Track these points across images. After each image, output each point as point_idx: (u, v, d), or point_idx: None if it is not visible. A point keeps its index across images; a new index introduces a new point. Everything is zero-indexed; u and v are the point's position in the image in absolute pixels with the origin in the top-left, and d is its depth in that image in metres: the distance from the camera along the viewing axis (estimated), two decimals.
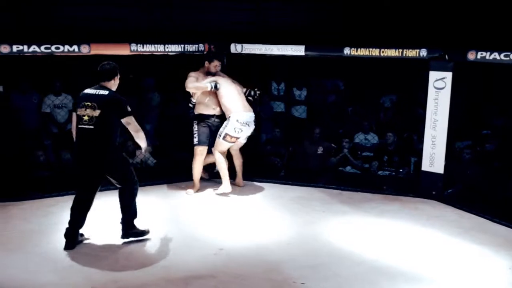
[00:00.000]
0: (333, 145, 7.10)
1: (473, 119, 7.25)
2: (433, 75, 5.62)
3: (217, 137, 5.66)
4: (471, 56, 5.36)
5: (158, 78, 7.54)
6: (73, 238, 4.36)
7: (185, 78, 5.73)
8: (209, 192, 5.86)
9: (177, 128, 6.92)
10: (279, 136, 7.35)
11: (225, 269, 4.02)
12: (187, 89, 5.71)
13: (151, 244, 4.46)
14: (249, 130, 5.72)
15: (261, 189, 6.04)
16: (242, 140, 5.82)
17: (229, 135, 5.61)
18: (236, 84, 5.86)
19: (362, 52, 5.84)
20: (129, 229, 4.45)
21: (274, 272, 3.99)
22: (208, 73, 5.75)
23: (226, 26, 7.97)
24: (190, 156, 5.88)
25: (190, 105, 5.83)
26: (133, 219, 4.48)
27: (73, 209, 4.40)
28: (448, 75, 5.54)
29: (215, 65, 5.75)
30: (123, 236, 4.45)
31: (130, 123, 4.31)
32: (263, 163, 7.00)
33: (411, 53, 5.67)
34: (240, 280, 3.85)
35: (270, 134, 7.52)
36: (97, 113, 4.20)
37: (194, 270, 3.99)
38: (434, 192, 5.74)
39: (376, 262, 4.18)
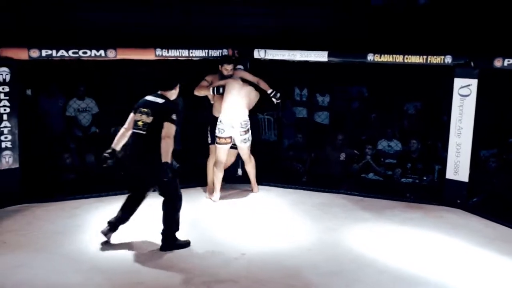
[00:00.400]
0: (356, 151, 7.06)
1: (499, 127, 7.14)
2: (458, 82, 5.55)
3: None
4: (497, 63, 5.28)
5: (182, 83, 7.62)
6: (112, 229, 4.51)
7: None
8: (231, 196, 5.87)
9: (200, 133, 6.98)
10: (301, 141, 7.34)
11: (247, 274, 4.03)
12: (194, 92, 5.79)
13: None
14: (233, 131, 5.66)
15: (282, 195, 6.03)
16: (241, 144, 5.74)
17: (217, 137, 5.68)
18: (244, 88, 5.82)
19: (386, 58, 5.80)
20: (171, 241, 4.48)
21: (295, 278, 3.98)
22: (222, 77, 5.79)
23: (250, 31, 8.00)
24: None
25: None
26: (175, 232, 4.51)
27: (123, 205, 4.57)
28: (474, 82, 5.47)
29: (225, 68, 5.79)
30: (162, 249, 4.44)
31: (165, 128, 4.32)
32: (285, 168, 7.00)
33: (435, 59, 5.61)
34: (261, 285, 3.86)
35: (292, 140, 7.52)
36: (150, 119, 4.37)
37: (216, 274, 4.00)
38: (458, 201, 5.66)
39: (400, 271, 4.14)
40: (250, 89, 5.82)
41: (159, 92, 4.51)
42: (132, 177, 4.54)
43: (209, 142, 5.93)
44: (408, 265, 4.25)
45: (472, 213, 5.52)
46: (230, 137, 5.70)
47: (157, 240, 4.60)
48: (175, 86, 4.56)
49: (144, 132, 4.37)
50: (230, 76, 5.79)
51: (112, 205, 5.47)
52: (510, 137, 7.25)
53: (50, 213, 5.24)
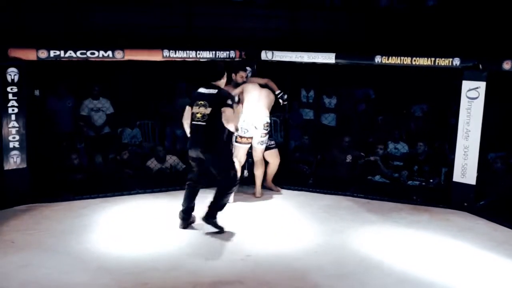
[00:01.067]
0: (362, 153, 7.05)
1: (507, 130, 7.10)
2: (466, 85, 5.53)
3: None
4: (506, 65, 5.25)
5: (190, 83, 7.66)
6: (185, 219, 4.91)
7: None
8: (237, 198, 5.87)
9: None
10: (307, 143, 7.33)
11: (252, 275, 4.03)
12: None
13: (179, 248, 4.50)
14: (256, 132, 5.71)
15: (289, 197, 6.03)
16: (257, 146, 5.77)
17: (239, 136, 5.69)
18: (263, 89, 5.85)
19: (394, 60, 5.79)
20: (211, 217, 4.78)
21: (301, 280, 3.98)
22: (237, 84, 5.79)
23: (257, 33, 8.02)
24: None
25: None
26: (218, 211, 4.81)
27: (187, 196, 4.90)
28: (482, 85, 5.44)
29: (241, 75, 5.80)
30: (204, 218, 4.80)
31: (224, 114, 4.66)
32: (292, 170, 7.00)
33: (443, 62, 5.59)
34: (267, 287, 3.85)
35: (299, 141, 7.52)
36: (208, 110, 4.69)
37: (222, 275, 4.01)
38: (465, 204, 5.63)
39: (406, 273, 4.13)
40: (267, 90, 5.89)
41: (211, 83, 4.80)
42: (195, 167, 4.84)
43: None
44: (414, 267, 4.23)
45: (479, 216, 5.49)
46: (252, 138, 5.74)
47: (163, 240, 4.63)
48: (223, 75, 4.87)
49: (204, 123, 4.68)
50: (244, 82, 5.81)
51: (119, 206, 5.53)
52: None
53: (58, 213, 5.26)
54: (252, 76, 6.07)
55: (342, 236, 4.89)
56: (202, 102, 4.70)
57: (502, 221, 5.31)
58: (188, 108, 4.86)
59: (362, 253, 4.50)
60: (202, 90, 4.79)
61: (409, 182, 6.66)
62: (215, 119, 4.66)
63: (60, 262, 4.16)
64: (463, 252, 4.63)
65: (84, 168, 6.64)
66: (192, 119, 4.78)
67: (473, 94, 5.50)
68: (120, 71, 6.89)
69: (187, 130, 4.91)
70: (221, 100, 4.69)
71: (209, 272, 4.07)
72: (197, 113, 4.72)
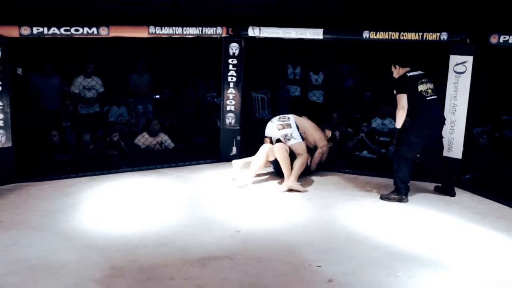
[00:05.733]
0: (349, 129, 7.07)
1: (494, 104, 7.16)
2: (454, 59, 5.55)
3: None
4: (493, 39, 5.27)
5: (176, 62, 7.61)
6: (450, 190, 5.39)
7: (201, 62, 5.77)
8: (225, 175, 5.88)
9: (196, 112, 7.00)
10: None
11: (242, 251, 4.06)
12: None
13: (168, 225, 4.50)
14: (270, 126, 5.75)
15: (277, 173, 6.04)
16: (285, 142, 5.64)
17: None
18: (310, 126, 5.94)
19: (381, 35, 5.77)
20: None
21: (290, 255, 4.01)
22: None
23: (244, 9, 7.93)
24: (208, 139, 5.89)
25: None
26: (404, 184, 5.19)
27: (401, 169, 5.15)
28: (469, 59, 5.46)
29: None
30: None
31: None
32: None
33: (431, 36, 5.59)
34: (257, 262, 3.88)
35: None
36: (432, 85, 5.20)
37: (211, 251, 4.03)
38: (454, 178, 5.68)
39: (392, 247, 4.18)
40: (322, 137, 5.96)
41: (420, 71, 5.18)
42: (428, 140, 5.11)
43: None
44: (402, 241, 4.29)
45: (465, 189, 5.56)
46: (270, 138, 5.74)
47: (151, 218, 4.63)
48: (394, 65, 5.28)
49: (436, 96, 5.14)
50: None
51: (107, 184, 5.51)
52: (503, 114, 7.28)
53: (45, 191, 5.23)
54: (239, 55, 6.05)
55: (330, 211, 4.92)
56: (426, 80, 5.12)
57: (486, 194, 5.39)
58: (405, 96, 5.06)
59: (349, 228, 4.55)
60: (413, 73, 5.14)
61: None
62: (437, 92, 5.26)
63: (48, 240, 4.14)
64: (449, 224, 4.70)
65: (70, 146, 6.59)
66: (425, 96, 5.07)
67: (460, 68, 5.52)
68: (107, 48, 6.81)
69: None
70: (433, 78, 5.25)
71: (198, 248, 4.09)
72: (427, 89, 5.11)
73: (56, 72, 6.99)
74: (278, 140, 5.68)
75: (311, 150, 5.89)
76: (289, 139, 5.62)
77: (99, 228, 4.41)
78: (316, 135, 5.90)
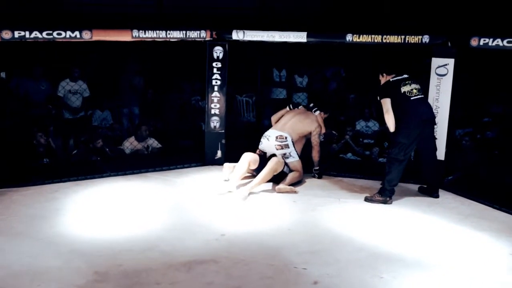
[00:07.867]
0: (333, 132, 7.11)
1: (475, 106, 7.26)
2: (436, 62, 5.61)
3: None
4: (473, 42, 5.34)
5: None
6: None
7: (187, 64, 5.77)
8: (209, 179, 5.87)
9: (181, 116, 6.98)
10: None
11: (227, 254, 4.05)
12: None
13: (153, 229, 4.48)
14: (267, 144, 5.74)
15: None
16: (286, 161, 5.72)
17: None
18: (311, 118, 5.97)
19: (365, 38, 5.82)
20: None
21: (275, 258, 4.02)
22: None
23: (228, 12, 7.94)
24: (194, 143, 6.03)
25: None
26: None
27: (391, 171, 5.16)
28: (451, 62, 5.53)
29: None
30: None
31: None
32: None
33: (413, 39, 5.66)
34: (242, 265, 3.89)
35: None
36: (418, 86, 5.28)
37: (196, 255, 4.02)
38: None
39: (377, 248, 4.21)
40: (311, 121, 5.92)
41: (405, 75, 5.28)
42: (419, 139, 5.12)
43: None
44: (386, 242, 4.33)
45: (447, 191, 5.63)
46: (264, 153, 5.76)
47: (136, 222, 4.60)
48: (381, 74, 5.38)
49: (422, 96, 5.21)
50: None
51: (91, 189, 5.46)
52: (485, 116, 7.37)
53: (28, 197, 5.16)
54: (223, 58, 6.07)
55: (315, 214, 4.94)
56: (409, 81, 5.20)
57: (469, 195, 5.46)
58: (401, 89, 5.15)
59: (334, 230, 4.57)
60: (398, 77, 5.24)
61: (380, 159, 6.76)
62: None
63: (31, 246, 4.09)
64: (432, 225, 4.75)
65: (54, 151, 6.53)
66: (410, 97, 5.13)
67: (442, 71, 5.59)
68: (91, 52, 6.78)
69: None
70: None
71: (183, 252, 4.07)
72: (412, 89, 5.17)
73: (45, 77, 6.93)
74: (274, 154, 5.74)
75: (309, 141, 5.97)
76: (287, 158, 5.72)
77: (83, 233, 4.37)
78: (306, 124, 5.90)
